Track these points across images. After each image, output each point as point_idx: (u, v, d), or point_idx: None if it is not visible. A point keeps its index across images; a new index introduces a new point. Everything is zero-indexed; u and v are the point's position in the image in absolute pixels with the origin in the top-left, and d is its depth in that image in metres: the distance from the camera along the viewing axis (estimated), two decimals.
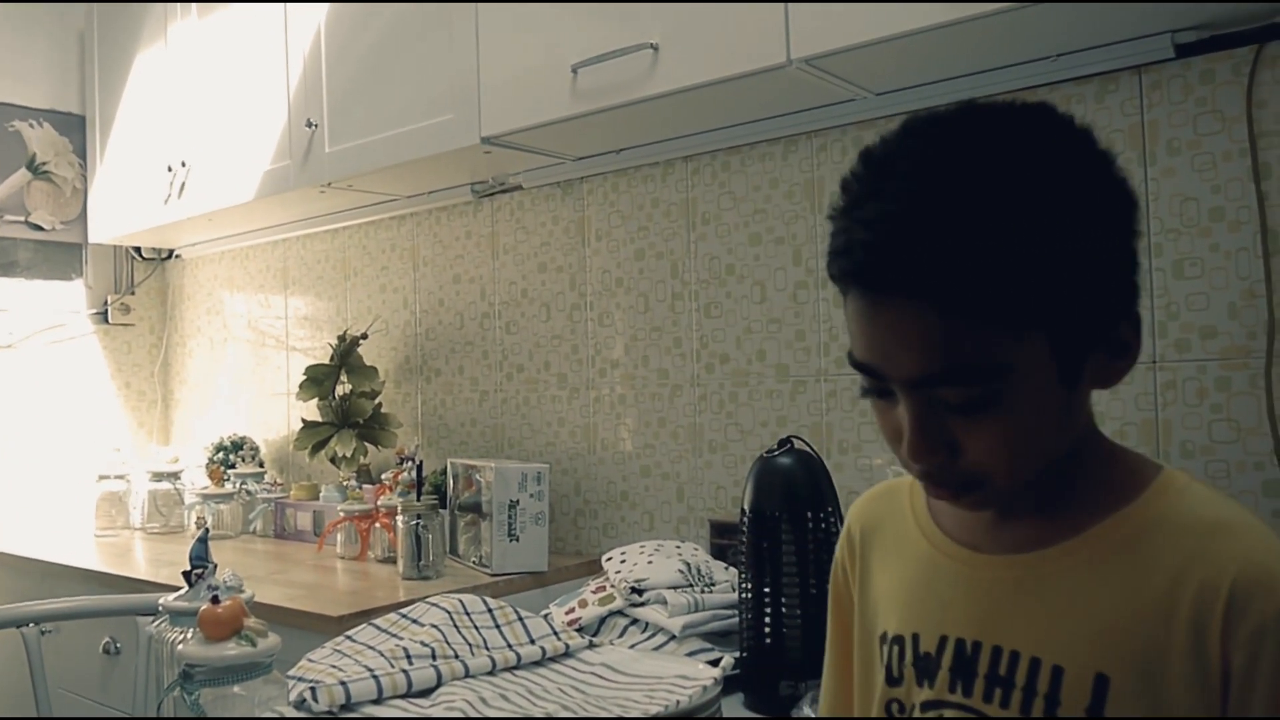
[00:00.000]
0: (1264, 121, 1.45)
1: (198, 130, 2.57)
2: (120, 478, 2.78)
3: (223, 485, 2.63)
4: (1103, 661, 0.69)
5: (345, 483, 2.43)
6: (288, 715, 1.02)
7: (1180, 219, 1.51)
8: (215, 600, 1.05)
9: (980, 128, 0.72)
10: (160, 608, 1.16)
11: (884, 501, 0.92)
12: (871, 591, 0.88)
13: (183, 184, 2.59)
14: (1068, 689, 0.70)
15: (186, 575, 1.16)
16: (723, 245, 2.00)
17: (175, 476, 2.76)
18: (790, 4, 1.51)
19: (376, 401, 2.49)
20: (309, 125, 2.24)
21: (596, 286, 2.19)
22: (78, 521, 2.83)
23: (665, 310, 2.09)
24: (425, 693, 1.12)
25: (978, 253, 0.66)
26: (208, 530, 1.20)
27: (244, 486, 2.66)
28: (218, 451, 2.80)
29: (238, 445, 2.80)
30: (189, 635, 1.08)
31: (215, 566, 1.18)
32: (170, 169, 2.61)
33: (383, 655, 1.22)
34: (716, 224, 2.01)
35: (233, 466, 2.74)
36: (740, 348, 1.97)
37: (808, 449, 1.41)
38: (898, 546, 0.87)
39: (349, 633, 1.37)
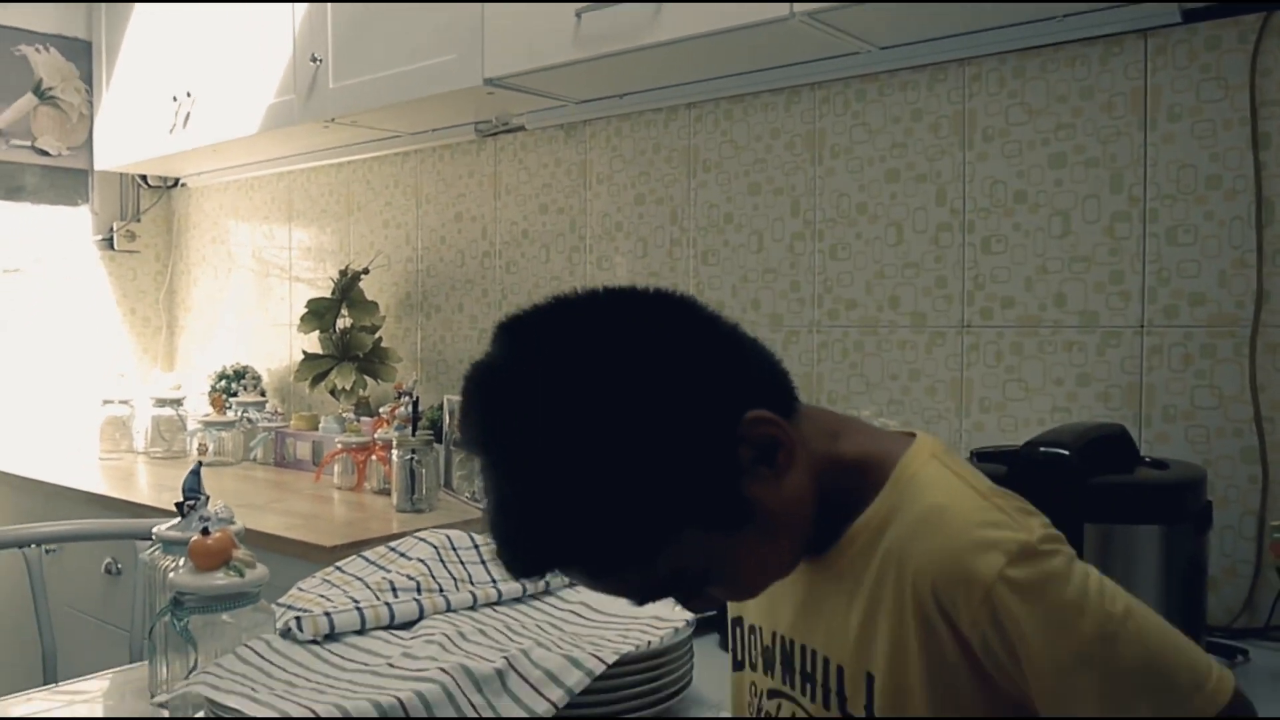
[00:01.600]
0: (1267, 90, 1.44)
1: (202, 60, 2.56)
2: (124, 403, 2.82)
3: (225, 413, 2.67)
4: (867, 661, 0.72)
5: (344, 415, 2.47)
6: (274, 643, 1.06)
7: (1177, 185, 1.51)
8: (205, 532, 1.08)
9: (517, 391, 0.68)
10: (154, 536, 1.19)
11: None
12: None
13: (187, 114, 2.59)
14: (849, 686, 0.74)
15: (179, 506, 1.19)
16: (722, 193, 2.00)
17: (178, 403, 2.80)
18: None
19: (377, 336, 2.52)
20: (314, 60, 2.23)
21: (596, 230, 2.20)
22: (82, 445, 2.87)
23: (663, 256, 2.10)
24: (407, 625, 1.16)
25: (580, 528, 0.66)
26: (200, 463, 1.23)
27: (245, 415, 2.70)
28: (220, 380, 2.84)
29: (240, 374, 2.84)
30: (180, 564, 1.12)
31: (207, 498, 1.21)
32: (175, 99, 2.60)
33: (369, 587, 1.26)
34: (717, 172, 2.01)
35: (235, 395, 2.77)
36: (735, 296, 1.99)
37: None
38: None
39: (339, 564, 1.41)
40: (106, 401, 2.81)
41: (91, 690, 1.23)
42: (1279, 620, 1.38)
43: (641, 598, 0.72)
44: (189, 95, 2.58)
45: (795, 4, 1.51)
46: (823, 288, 1.86)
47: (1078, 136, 1.60)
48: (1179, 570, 1.19)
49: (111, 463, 2.71)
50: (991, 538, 0.66)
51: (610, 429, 0.65)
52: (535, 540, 0.67)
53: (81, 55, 2.99)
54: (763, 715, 0.84)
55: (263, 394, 2.84)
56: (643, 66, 1.86)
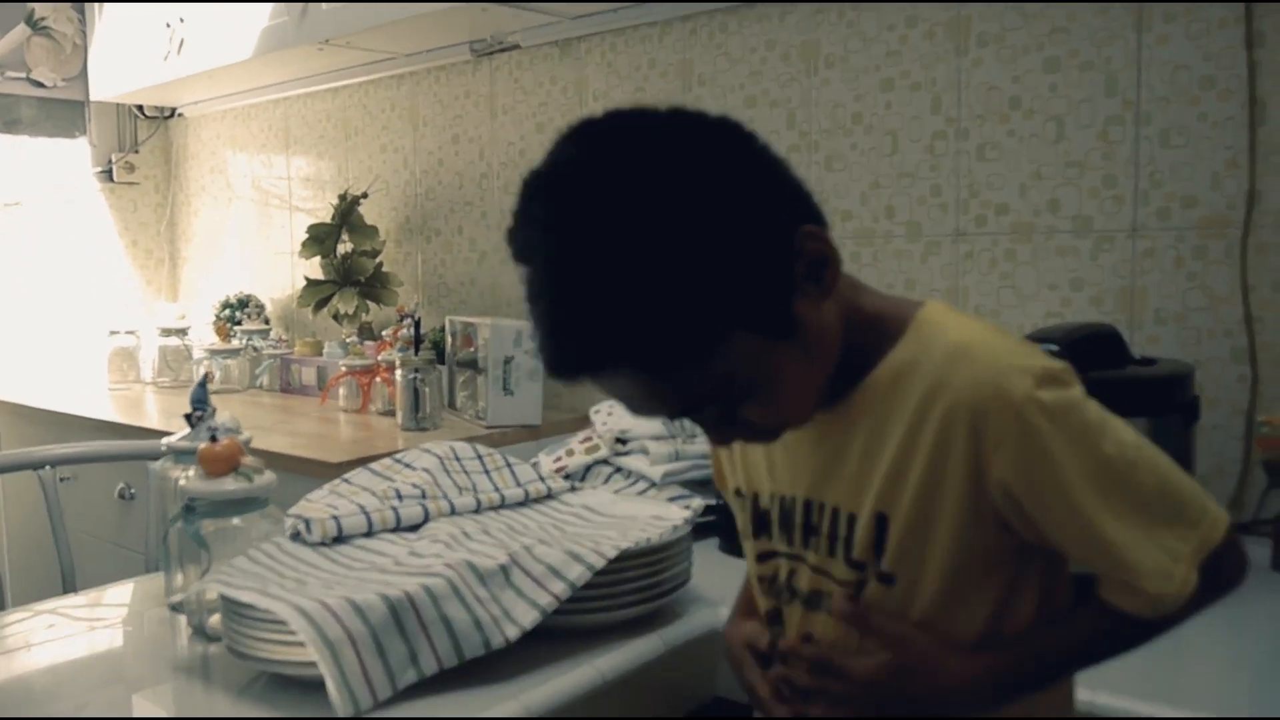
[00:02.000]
0: None
1: None
2: (130, 333, 2.85)
3: (229, 341, 2.70)
4: (881, 502, 0.75)
5: (347, 339, 2.49)
6: (284, 546, 1.10)
7: (1171, 86, 1.51)
8: (214, 439, 1.11)
9: (582, 193, 0.67)
10: (164, 447, 1.22)
11: None
12: (728, 453, 0.92)
13: (181, 40, 2.58)
14: (859, 531, 0.76)
15: (188, 417, 1.22)
16: (719, 107, 1.98)
17: (183, 332, 2.82)
18: None
19: (377, 260, 2.53)
20: None
21: None
22: (90, 375, 2.91)
23: None
24: (412, 528, 1.20)
25: (640, 322, 0.65)
26: (207, 375, 1.26)
27: (250, 343, 2.72)
28: (224, 309, 2.86)
29: (244, 303, 2.86)
30: (190, 472, 1.15)
31: (214, 409, 1.24)
32: (169, 25, 2.58)
33: (375, 495, 1.29)
34: (712, 86, 2.01)
35: (239, 323, 2.80)
36: None
37: None
38: None
39: (345, 476, 1.44)
40: (113, 333, 2.84)
41: (110, 599, 1.27)
42: (1266, 514, 1.41)
43: (683, 407, 0.72)
44: (181, 21, 2.56)
45: None
46: (819, 199, 1.86)
47: (1072, 40, 1.59)
48: None
49: (120, 392, 2.75)
50: (1020, 364, 0.70)
51: (675, 223, 0.65)
52: (593, 334, 0.66)
53: None
54: (756, 577, 0.88)
55: (266, 322, 2.87)
56: None
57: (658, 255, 0.65)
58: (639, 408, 0.72)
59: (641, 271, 0.64)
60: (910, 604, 0.75)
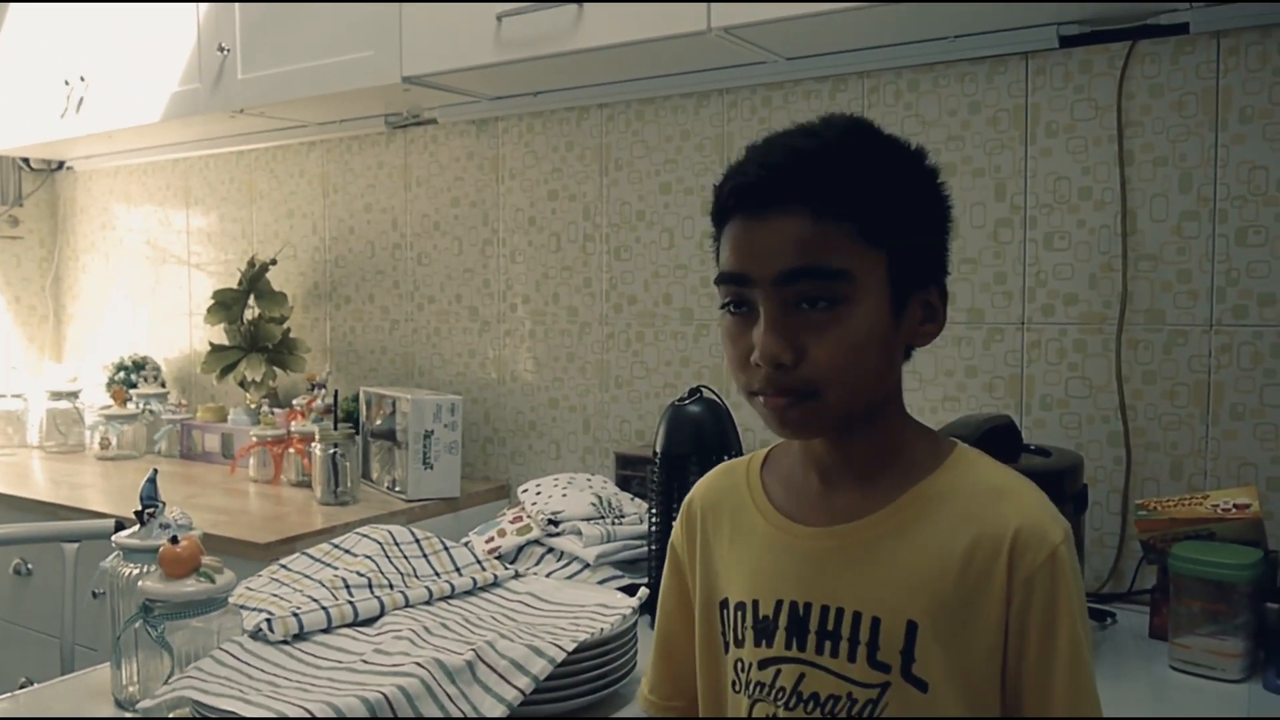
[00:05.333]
0: (1131, 112, 1.61)
1: (97, 43, 2.50)
2: (17, 396, 2.75)
3: (125, 405, 2.63)
4: (912, 610, 0.84)
5: (253, 406, 2.47)
6: (246, 645, 1.12)
7: (1054, 195, 1.67)
8: (175, 540, 1.13)
9: (847, 119, 0.90)
10: (114, 544, 1.22)
11: (722, 479, 1.02)
12: (712, 562, 0.98)
13: (81, 98, 2.53)
14: (885, 636, 0.84)
15: (139, 514, 1.22)
16: (634, 191, 2.09)
17: (75, 395, 2.74)
18: None
19: (285, 326, 2.52)
20: (221, 50, 2.21)
21: (509, 223, 2.26)
22: None
23: (576, 250, 2.18)
24: (369, 621, 1.23)
25: (849, 176, 0.83)
26: (156, 471, 1.27)
27: (147, 407, 2.66)
28: (119, 371, 2.79)
29: (139, 365, 2.80)
30: (147, 571, 1.16)
31: (164, 505, 1.24)
32: (68, 83, 2.54)
33: (323, 585, 1.32)
34: (629, 170, 2.10)
35: (134, 386, 2.73)
36: (648, 290, 2.08)
37: (715, 397, 1.55)
38: (734, 521, 0.97)
39: (283, 561, 1.46)
40: None
41: (53, 695, 1.25)
42: (1140, 586, 1.57)
43: (798, 265, 0.82)
44: (82, 80, 2.51)
45: (713, 17, 1.60)
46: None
47: (966, 148, 1.74)
48: None
49: (6, 458, 2.64)
50: (1055, 514, 0.84)
51: (920, 170, 0.89)
52: (833, 176, 0.83)
53: None
54: (752, 685, 0.90)
55: (163, 385, 2.81)
56: (558, 68, 1.92)
57: (888, 168, 0.86)
58: (761, 257, 0.83)
59: (870, 164, 0.85)
60: (939, 710, 0.82)
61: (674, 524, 1.04)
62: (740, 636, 0.92)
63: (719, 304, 0.88)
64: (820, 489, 0.91)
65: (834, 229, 0.82)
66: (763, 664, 0.90)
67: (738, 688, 0.92)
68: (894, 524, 0.86)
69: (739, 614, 0.93)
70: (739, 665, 0.92)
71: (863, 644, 0.84)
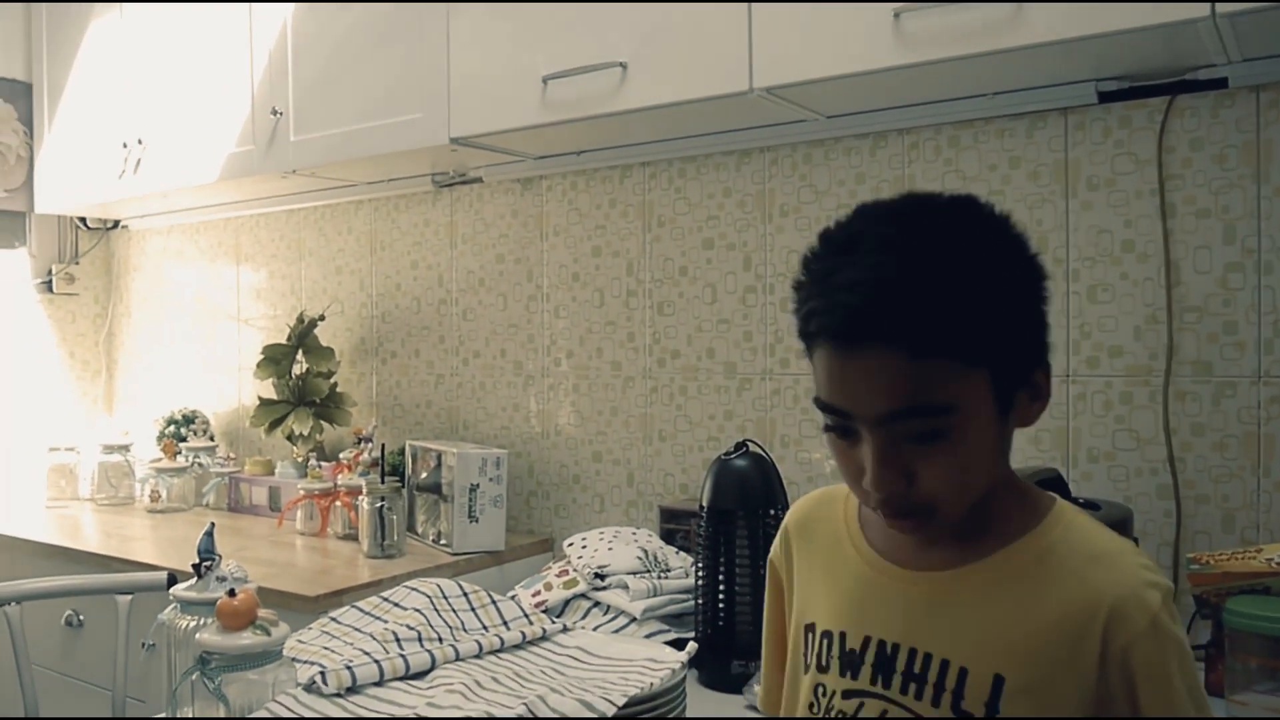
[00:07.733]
0: (1171, 165, 1.62)
1: (154, 107, 2.58)
2: (70, 449, 2.81)
3: (175, 459, 2.68)
4: (1000, 665, 0.84)
5: (300, 459, 2.51)
6: (301, 698, 1.13)
7: (1096, 248, 1.68)
8: (232, 593, 1.15)
9: (926, 211, 0.87)
10: (172, 597, 1.25)
11: (820, 506, 1.05)
12: (802, 585, 1.01)
13: (139, 160, 2.61)
14: (971, 686, 0.85)
15: (196, 567, 1.25)
16: (677, 248, 2.12)
17: (126, 449, 2.80)
18: (754, 36, 1.63)
19: (332, 381, 2.56)
20: (274, 113, 2.29)
21: (553, 279, 2.30)
22: (25, 492, 2.85)
23: (620, 306, 2.21)
24: (421, 675, 1.24)
25: (943, 308, 0.80)
26: (213, 524, 1.29)
27: (196, 460, 2.71)
28: (169, 424, 2.84)
29: (189, 419, 2.85)
30: (204, 623, 1.18)
31: (220, 559, 1.27)
32: (125, 145, 2.62)
33: (373, 638, 1.33)
34: (671, 227, 2.13)
35: (184, 440, 2.78)
36: (691, 345, 2.10)
37: (761, 451, 1.56)
38: (828, 550, 1.00)
39: (333, 614, 1.48)
40: (53, 449, 2.80)
41: None
42: (1196, 641, 1.54)
43: (900, 404, 0.81)
44: (140, 142, 2.60)
45: (755, 77, 1.64)
46: (774, 337, 1.99)
47: (1007, 202, 1.75)
48: None
49: (59, 510, 2.70)
50: (1153, 579, 0.83)
51: (1005, 265, 0.84)
52: (925, 311, 0.80)
53: (21, 96, 2.97)
54: (834, 714, 0.92)
55: (212, 439, 2.86)
56: (602, 128, 1.96)
57: (974, 276, 0.81)
58: (859, 395, 0.82)
59: (957, 281, 0.80)
60: None
61: (773, 544, 1.09)
62: (825, 664, 0.94)
63: (822, 425, 0.89)
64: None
65: (933, 366, 0.80)
66: (846, 694, 0.92)
67: (816, 710, 0.94)
68: (991, 578, 0.87)
69: (824, 641, 0.95)
70: (820, 690, 0.94)
71: (948, 691, 0.86)
